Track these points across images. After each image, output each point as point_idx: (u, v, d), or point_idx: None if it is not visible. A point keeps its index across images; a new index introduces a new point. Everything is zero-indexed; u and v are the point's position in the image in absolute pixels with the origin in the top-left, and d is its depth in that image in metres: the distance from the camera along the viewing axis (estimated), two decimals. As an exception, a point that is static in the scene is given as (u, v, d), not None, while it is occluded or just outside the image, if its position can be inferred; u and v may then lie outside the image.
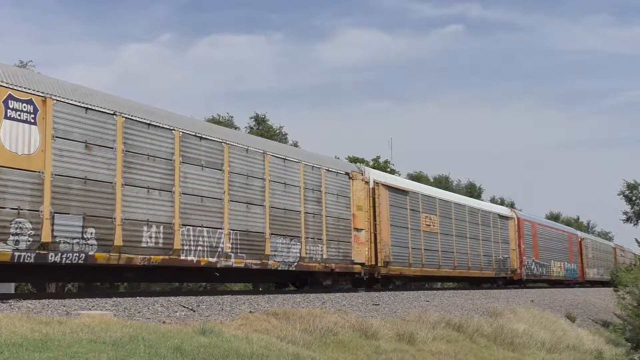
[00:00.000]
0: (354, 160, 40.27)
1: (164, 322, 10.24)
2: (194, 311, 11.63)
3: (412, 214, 23.38)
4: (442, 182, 55.02)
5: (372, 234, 20.70)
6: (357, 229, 19.88)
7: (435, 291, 23.67)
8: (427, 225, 24.29)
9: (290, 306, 13.55)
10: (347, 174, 20.08)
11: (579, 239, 44.89)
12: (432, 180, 54.22)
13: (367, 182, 20.89)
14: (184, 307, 11.84)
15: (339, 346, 11.33)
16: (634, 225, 57.59)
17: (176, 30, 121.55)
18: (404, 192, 23.06)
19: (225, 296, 14.32)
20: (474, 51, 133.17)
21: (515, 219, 33.47)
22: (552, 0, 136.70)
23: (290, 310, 12.65)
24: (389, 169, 41.17)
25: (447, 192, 30.40)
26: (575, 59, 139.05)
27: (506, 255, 31.34)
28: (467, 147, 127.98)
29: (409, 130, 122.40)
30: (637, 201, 57.08)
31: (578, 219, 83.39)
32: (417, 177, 50.58)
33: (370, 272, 20.60)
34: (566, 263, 40.84)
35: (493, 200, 63.94)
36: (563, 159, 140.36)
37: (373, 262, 20.56)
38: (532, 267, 34.69)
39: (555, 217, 72.81)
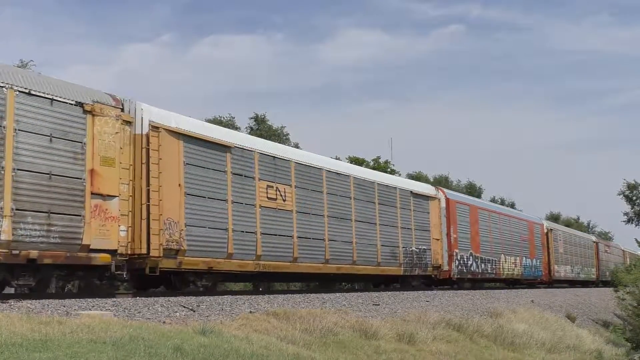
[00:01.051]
0: (354, 160, 40.27)
1: (164, 322, 10.24)
2: (194, 311, 11.63)
3: (239, 180, 16.30)
4: (442, 182, 54.95)
5: (142, 205, 13.74)
6: (100, 195, 12.87)
7: (435, 291, 23.66)
8: (269, 198, 17.17)
9: (290, 306, 13.55)
10: (79, 104, 12.70)
11: (546, 230, 37.93)
12: (432, 180, 54.15)
13: (130, 123, 13.78)
14: (184, 307, 11.83)
15: (339, 346, 11.33)
16: (636, 225, 57.50)
17: (177, 30, 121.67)
18: (219, 146, 15.86)
19: (225, 296, 14.32)
20: (474, 51, 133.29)
21: (443, 199, 26.03)
22: (553, 0, 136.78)
23: (290, 310, 12.65)
24: (389, 169, 41.14)
25: (316, 155, 20.48)
26: (576, 59, 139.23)
27: (424, 247, 23.99)
28: (467, 147, 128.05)
29: (409, 130, 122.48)
30: (638, 201, 56.98)
31: (578, 219, 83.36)
32: (417, 177, 50.54)
33: (136, 265, 13.82)
34: (525, 259, 33.64)
35: (493, 201, 63.90)
36: (563, 159, 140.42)
37: (140, 249, 13.58)
38: (469, 263, 27.32)
39: (555, 218, 72.76)
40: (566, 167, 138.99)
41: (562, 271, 39.69)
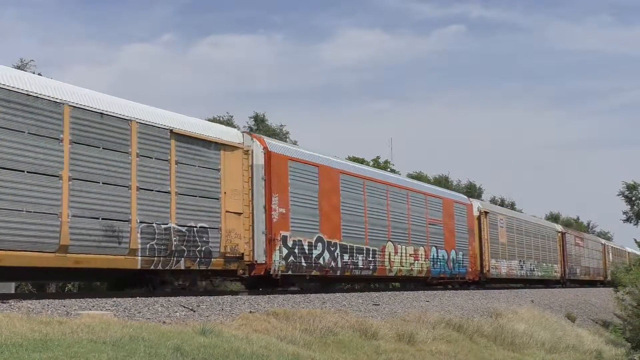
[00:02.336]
0: (354, 160, 40.27)
1: (164, 322, 10.24)
2: (194, 311, 11.63)
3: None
4: (442, 182, 54.93)
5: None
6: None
7: (435, 291, 23.66)
8: None
9: (290, 306, 13.55)
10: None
11: (477, 212, 28.71)
12: (432, 180, 54.11)
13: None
14: (184, 307, 11.84)
15: (339, 346, 11.34)
16: (635, 225, 57.53)
17: (177, 30, 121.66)
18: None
19: (225, 296, 14.33)
20: (474, 51, 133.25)
21: (259, 151, 16.80)
22: (553, 0, 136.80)
23: (290, 310, 12.65)
24: (389, 169, 41.16)
25: None
26: (576, 59, 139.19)
27: (204, 224, 15.01)
28: (467, 147, 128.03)
29: (409, 130, 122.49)
30: (637, 201, 57.02)
31: (578, 219, 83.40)
32: (418, 177, 50.49)
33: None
34: (436, 250, 24.38)
35: (493, 201, 63.86)
36: (563, 159, 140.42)
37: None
38: (314, 253, 18.14)
39: (555, 218, 72.75)
40: (566, 167, 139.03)
41: (502, 267, 30.49)
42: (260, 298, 14.52)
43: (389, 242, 21.74)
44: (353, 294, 18.34)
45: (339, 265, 19.10)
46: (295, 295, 16.02)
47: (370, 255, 20.64)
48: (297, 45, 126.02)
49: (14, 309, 9.66)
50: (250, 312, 12.26)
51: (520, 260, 33.16)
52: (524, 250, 33.89)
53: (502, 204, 63.37)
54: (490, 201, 60.93)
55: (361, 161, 40.08)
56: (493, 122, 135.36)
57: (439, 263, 24.83)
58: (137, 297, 12.40)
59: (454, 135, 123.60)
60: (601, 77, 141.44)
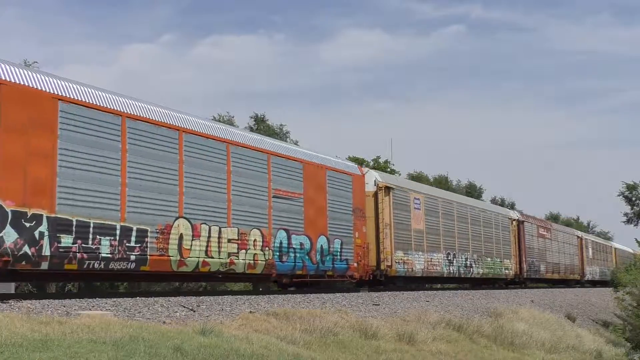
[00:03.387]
0: (354, 160, 40.25)
1: (164, 322, 10.24)
2: (194, 311, 11.63)
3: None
4: (442, 182, 54.92)
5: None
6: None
7: (435, 291, 23.65)
8: None
9: (290, 306, 13.55)
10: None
11: (373, 188, 22.08)
12: (432, 180, 54.13)
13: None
14: (184, 307, 11.84)
15: (339, 346, 11.34)
16: (635, 226, 57.45)
17: (178, 30, 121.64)
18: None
19: (226, 296, 14.33)
20: (475, 51, 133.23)
21: None
22: (554, 0, 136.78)
23: (290, 311, 12.65)
24: (389, 169, 41.15)
25: None
26: (576, 59, 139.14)
27: None
28: (467, 147, 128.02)
29: (410, 130, 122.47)
30: (637, 202, 56.97)
31: (578, 219, 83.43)
32: (418, 177, 50.53)
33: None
34: (286, 235, 17.14)
35: (493, 201, 63.84)
36: (563, 159, 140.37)
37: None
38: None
39: (555, 218, 72.75)
40: (566, 167, 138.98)
41: (417, 262, 23.48)
42: (260, 298, 14.53)
43: (182, 219, 14.18)
44: (353, 294, 18.34)
45: (46, 252, 11.41)
46: (295, 295, 16.03)
47: (134, 238, 13.07)
48: (297, 46, 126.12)
49: (14, 309, 9.66)
50: (250, 312, 12.26)
51: (448, 254, 25.99)
52: (454, 240, 26.63)
53: (502, 204, 63.33)
54: (491, 201, 60.80)
55: (361, 161, 40.11)
56: (493, 122, 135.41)
57: (292, 254, 17.21)
58: (137, 297, 12.41)
59: (454, 135, 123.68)
60: (601, 77, 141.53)
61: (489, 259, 29.55)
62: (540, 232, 36.48)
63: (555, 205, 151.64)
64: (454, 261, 26.52)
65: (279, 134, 40.03)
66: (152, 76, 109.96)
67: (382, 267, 21.49)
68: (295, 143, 39.80)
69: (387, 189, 22.42)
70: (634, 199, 56.68)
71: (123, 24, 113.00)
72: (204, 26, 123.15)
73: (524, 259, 33.25)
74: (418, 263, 23.58)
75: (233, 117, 40.13)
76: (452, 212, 26.96)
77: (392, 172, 40.44)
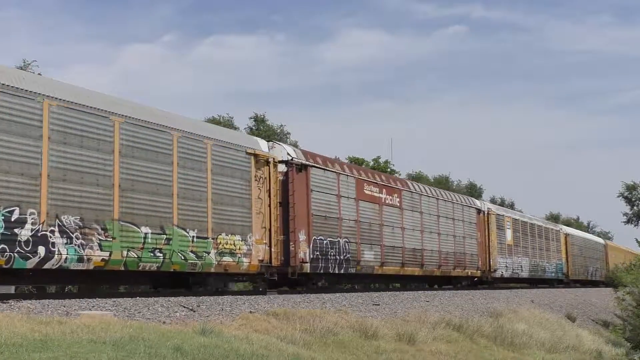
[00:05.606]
0: (354, 160, 40.29)
1: (164, 323, 10.24)
2: (194, 311, 11.63)
3: None
4: (442, 182, 54.90)
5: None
6: None
7: (435, 291, 23.65)
8: None
9: (290, 306, 13.55)
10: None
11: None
12: (432, 180, 54.12)
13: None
14: (184, 307, 11.84)
15: (339, 346, 11.34)
16: (635, 226, 57.44)
17: (179, 30, 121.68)
18: None
19: (225, 296, 14.34)
20: (476, 52, 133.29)
21: None
22: (554, 1, 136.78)
23: (290, 311, 12.65)
24: (389, 169, 41.14)
25: None
26: (577, 59, 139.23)
27: None
28: (467, 147, 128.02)
29: (410, 130, 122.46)
30: (637, 202, 56.96)
31: (578, 219, 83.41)
32: (418, 177, 50.51)
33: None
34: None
35: (493, 201, 63.82)
36: (563, 159, 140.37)
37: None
38: None
39: (555, 218, 72.74)
40: (566, 167, 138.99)
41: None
42: (260, 298, 14.54)
43: None
44: (353, 294, 18.34)
45: None
46: (295, 295, 16.05)
47: None
48: (298, 46, 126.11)
49: (14, 309, 9.66)
50: (250, 312, 12.27)
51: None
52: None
53: (502, 204, 63.34)
54: (491, 201, 60.82)
55: (361, 161, 40.10)
56: (493, 122, 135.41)
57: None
58: (137, 297, 12.41)
59: (454, 135, 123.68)
60: (601, 77, 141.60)
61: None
62: (364, 188, 21.29)
63: (555, 205, 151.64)
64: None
65: (279, 134, 40.02)
66: (152, 76, 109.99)
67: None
68: (295, 143, 39.83)
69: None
70: (633, 199, 56.69)
71: (123, 24, 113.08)
72: (205, 26, 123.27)
73: (297, 237, 17.98)
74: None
75: (232, 117, 40.17)
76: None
77: (392, 172, 40.42)
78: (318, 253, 18.79)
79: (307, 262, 18.26)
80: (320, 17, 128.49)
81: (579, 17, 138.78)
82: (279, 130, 40.71)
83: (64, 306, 10.38)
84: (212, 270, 15.15)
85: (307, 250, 18.38)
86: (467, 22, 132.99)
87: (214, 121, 36.98)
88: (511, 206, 62.12)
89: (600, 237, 61.43)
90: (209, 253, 14.91)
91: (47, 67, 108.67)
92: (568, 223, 67.22)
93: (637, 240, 31.47)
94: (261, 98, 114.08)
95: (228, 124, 38.12)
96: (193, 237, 14.55)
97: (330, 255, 19.39)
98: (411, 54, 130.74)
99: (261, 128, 39.73)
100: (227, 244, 15.53)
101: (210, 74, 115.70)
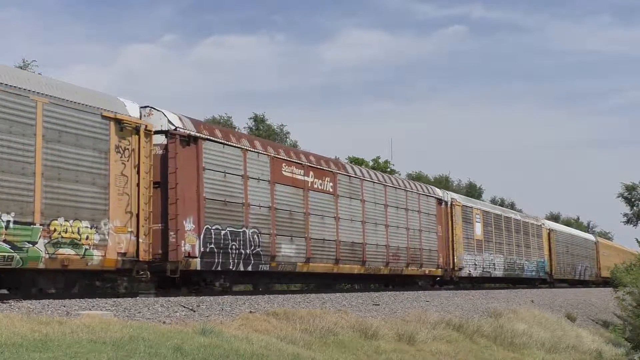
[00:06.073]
0: (354, 160, 40.27)
1: (164, 322, 10.24)
2: (194, 311, 11.64)
3: None
4: (442, 182, 54.93)
5: None
6: None
7: (435, 291, 23.64)
8: None
9: (290, 306, 13.55)
10: None
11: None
12: (432, 180, 54.14)
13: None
14: (184, 307, 11.84)
15: (339, 346, 11.34)
16: (634, 226, 57.47)
17: (179, 31, 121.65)
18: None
19: (226, 296, 14.34)
20: (476, 52, 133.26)
21: None
22: (555, 1, 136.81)
23: (290, 311, 12.65)
24: (389, 169, 41.15)
25: None
26: (577, 59, 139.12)
27: None
28: (467, 147, 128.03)
29: (410, 130, 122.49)
30: (636, 202, 56.99)
31: (578, 219, 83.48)
32: (417, 177, 50.53)
33: None
34: None
35: (493, 201, 63.81)
36: (563, 159, 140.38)
37: None
38: None
39: (555, 218, 72.78)
40: (566, 167, 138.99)
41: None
42: (260, 298, 14.54)
43: None
44: (353, 293, 18.34)
45: None
46: (295, 295, 16.04)
47: None
48: (298, 46, 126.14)
49: (14, 309, 9.66)
50: (250, 312, 12.26)
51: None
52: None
53: (502, 204, 63.33)
54: (491, 201, 60.76)
55: (361, 161, 40.09)
56: (493, 122, 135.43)
57: None
58: (137, 297, 12.42)
59: (454, 135, 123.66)
60: (601, 77, 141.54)
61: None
62: (282, 169, 17.86)
63: (556, 205, 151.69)
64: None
65: (279, 134, 40.05)
66: (152, 76, 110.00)
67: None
68: (295, 143, 39.86)
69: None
70: (633, 199, 56.73)
71: (124, 24, 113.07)
72: (205, 26, 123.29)
73: (181, 226, 14.67)
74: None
75: (231, 117, 40.19)
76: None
77: (392, 172, 40.42)
78: (213, 246, 15.07)
79: (196, 257, 14.59)
80: (320, 17, 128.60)
81: (579, 17, 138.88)
82: (278, 130, 40.76)
83: (64, 306, 10.38)
84: (41, 266, 11.64)
85: (197, 242, 14.65)
86: (467, 22, 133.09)
87: (213, 121, 36.99)
88: (511, 206, 62.18)
89: (590, 233, 60.69)
90: (34, 244, 11.42)
91: (47, 67, 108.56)
92: (568, 223, 67.28)
93: (637, 240, 31.50)
94: (261, 98, 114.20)
95: (227, 123, 38.14)
96: (8, 222, 11.05)
97: (232, 248, 15.67)
98: (411, 54, 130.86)
99: (261, 128, 39.75)
100: (66, 232, 11.97)
101: (210, 74, 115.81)
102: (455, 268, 26.66)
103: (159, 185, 14.29)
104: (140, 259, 13.29)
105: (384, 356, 11.70)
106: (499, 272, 30.91)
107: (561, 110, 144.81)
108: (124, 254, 13.01)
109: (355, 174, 21.51)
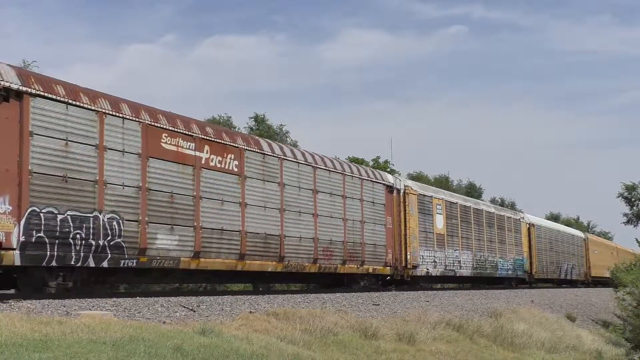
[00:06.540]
0: (354, 160, 40.27)
1: (164, 322, 10.25)
2: (194, 311, 11.64)
3: None
4: (442, 182, 54.93)
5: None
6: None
7: (435, 291, 23.64)
8: None
9: (290, 306, 13.55)
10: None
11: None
12: (432, 180, 54.15)
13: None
14: (184, 307, 11.84)
15: (339, 346, 11.34)
16: (634, 226, 57.48)
17: (180, 31, 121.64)
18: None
19: (225, 296, 14.33)
20: (475, 52, 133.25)
21: None
22: (555, 1, 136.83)
23: (290, 311, 12.65)
24: (389, 169, 41.15)
25: None
26: (577, 59, 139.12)
27: None
28: (467, 147, 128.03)
29: (410, 130, 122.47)
30: (636, 202, 57.00)
31: (578, 219, 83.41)
32: (417, 177, 50.52)
33: None
34: None
35: (493, 201, 63.81)
36: (563, 159, 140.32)
37: None
38: None
39: (555, 218, 72.77)
40: (566, 167, 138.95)
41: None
42: (260, 298, 14.54)
43: None
44: (353, 294, 18.34)
45: None
46: (295, 295, 16.04)
47: None
48: (298, 46, 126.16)
49: (14, 309, 9.66)
50: (250, 312, 12.27)
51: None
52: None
53: (502, 204, 63.30)
54: (491, 201, 60.77)
55: (361, 161, 40.07)
56: (493, 122, 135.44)
57: None
58: (137, 297, 12.42)
59: (454, 135, 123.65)
60: (601, 77, 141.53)
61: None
62: (162, 140, 14.44)
63: (556, 205, 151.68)
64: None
65: (279, 134, 40.05)
66: (152, 76, 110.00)
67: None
68: (295, 143, 39.83)
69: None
70: (633, 199, 56.74)
71: (124, 24, 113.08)
72: (205, 26, 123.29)
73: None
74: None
75: (231, 117, 40.21)
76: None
77: (392, 172, 40.42)
78: (43, 235, 11.68)
79: (14, 249, 11.24)
80: (320, 18, 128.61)
81: (579, 17, 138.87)
82: (279, 130, 40.78)
83: (64, 306, 10.38)
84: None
85: (17, 229, 11.28)
86: (467, 22, 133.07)
87: (213, 121, 36.99)
88: (511, 206, 62.15)
89: (590, 233, 60.02)
90: None
91: (47, 67, 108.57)
92: (568, 223, 67.23)
93: (637, 240, 31.49)
94: (261, 98, 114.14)
95: (227, 123, 38.15)
96: None
97: (77, 238, 12.26)
98: (411, 54, 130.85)
99: (261, 128, 39.76)
100: None
101: (211, 74, 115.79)
102: (409, 266, 22.92)
103: None
104: None
105: (384, 356, 11.70)
106: (466, 271, 27.15)
107: (561, 110, 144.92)
108: None
109: (273, 152, 17.66)
